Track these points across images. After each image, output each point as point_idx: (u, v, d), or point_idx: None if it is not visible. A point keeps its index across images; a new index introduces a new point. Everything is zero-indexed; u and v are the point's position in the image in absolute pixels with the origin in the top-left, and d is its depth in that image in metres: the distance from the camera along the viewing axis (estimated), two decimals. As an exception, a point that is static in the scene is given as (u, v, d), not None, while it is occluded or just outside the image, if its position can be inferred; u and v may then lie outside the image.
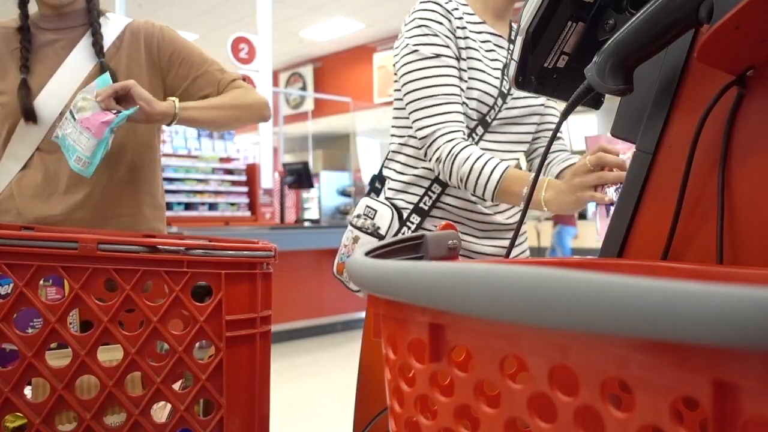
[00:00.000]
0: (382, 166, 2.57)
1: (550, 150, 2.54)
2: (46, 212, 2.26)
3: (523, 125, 2.43)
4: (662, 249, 1.09)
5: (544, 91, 1.32)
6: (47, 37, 2.36)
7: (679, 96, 1.13)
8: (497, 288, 0.48)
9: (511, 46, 2.37)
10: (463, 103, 2.27)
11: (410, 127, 2.31)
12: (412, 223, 2.39)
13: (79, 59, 2.34)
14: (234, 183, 10.70)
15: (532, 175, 2.04)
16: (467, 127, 2.27)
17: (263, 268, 1.55)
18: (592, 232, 14.29)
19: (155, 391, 1.47)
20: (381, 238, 2.37)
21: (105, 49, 2.37)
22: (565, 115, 1.24)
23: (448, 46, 2.23)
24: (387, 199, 2.47)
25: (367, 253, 0.77)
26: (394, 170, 2.47)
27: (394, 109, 2.44)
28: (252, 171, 10.80)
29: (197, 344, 1.50)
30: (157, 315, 1.46)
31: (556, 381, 0.52)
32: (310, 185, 11.69)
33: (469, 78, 2.28)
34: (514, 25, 2.44)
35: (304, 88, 19.95)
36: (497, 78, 2.32)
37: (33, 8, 2.41)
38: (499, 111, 2.33)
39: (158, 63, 2.43)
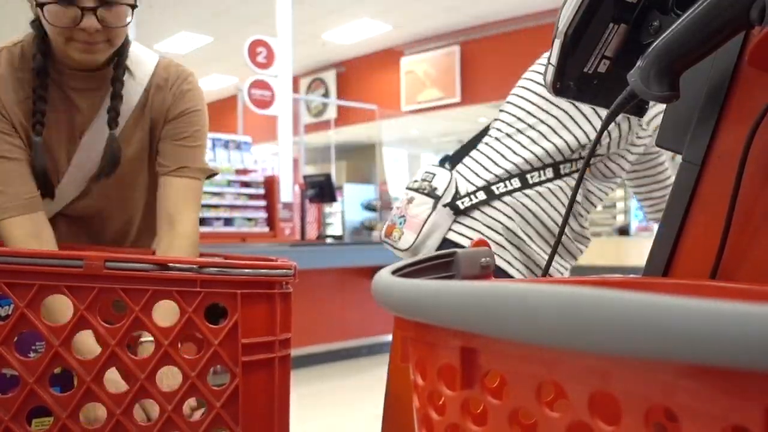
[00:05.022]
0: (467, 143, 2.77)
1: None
2: None
3: None
4: (711, 267, 1.09)
5: (583, 97, 1.31)
6: (65, 97, 2.20)
7: (729, 103, 1.12)
8: (534, 309, 0.48)
9: None
10: None
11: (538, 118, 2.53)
12: (475, 197, 2.53)
13: (99, 130, 2.21)
14: (251, 196, 10.71)
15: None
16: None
17: (282, 288, 1.55)
18: (634, 249, 14.25)
19: (166, 419, 1.48)
20: (437, 198, 2.54)
21: (137, 97, 2.23)
22: (606, 123, 1.23)
23: None
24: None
25: (394, 272, 0.77)
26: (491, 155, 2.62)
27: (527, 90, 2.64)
28: (270, 184, 10.80)
29: (212, 370, 1.50)
30: (168, 338, 1.46)
31: (596, 409, 0.51)
32: (333, 199, 11.71)
33: None
34: None
35: (326, 95, 19.97)
36: None
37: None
38: None
39: (169, 110, 2.29)
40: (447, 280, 0.65)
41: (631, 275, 1.21)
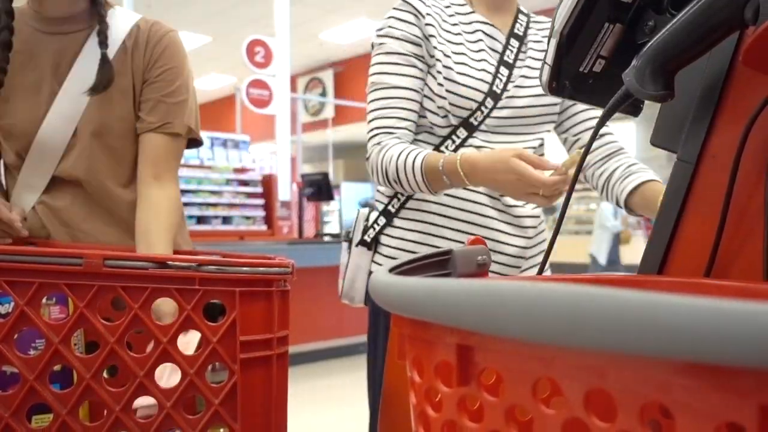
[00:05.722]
0: None
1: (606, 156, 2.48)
2: (92, 237, 2.18)
3: (526, 129, 2.38)
4: (705, 265, 1.09)
5: (579, 97, 1.31)
6: (41, 40, 2.20)
7: (723, 102, 1.12)
8: (530, 307, 0.48)
9: (513, 41, 2.39)
10: (426, 107, 2.33)
11: None
12: (378, 224, 2.48)
13: (87, 66, 2.19)
14: (249, 195, 10.72)
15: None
16: (444, 128, 2.32)
17: (280, 286, 1.55)
18: (628, 247, 14.23)
19: (165, 416, 1.47)
20: (350, 241, 2.59)
21: (115, 47, 2.22)
22: (601, 123, 1.23)
23: (410, 46, 2.32)
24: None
25: (391, 270, 0.77)
26: None
27: None
28: (268, 182, 10.81)
29: (210, 367, 1.50)
30: (166, 335, 1.46)
31: (592, 406, 0.51)
32: (331, 197, 11.68)
33: (446, 79, 2.27)
34: (522, 18, 2.46)
35: (323, 94, 19.97)
36: (489, 74, 2.31)
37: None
38: (490, 112, 2.29)
39: (147, 70, 2.28)
40: (443, 278, 0.65)
41: (626, 273, 1.21)
